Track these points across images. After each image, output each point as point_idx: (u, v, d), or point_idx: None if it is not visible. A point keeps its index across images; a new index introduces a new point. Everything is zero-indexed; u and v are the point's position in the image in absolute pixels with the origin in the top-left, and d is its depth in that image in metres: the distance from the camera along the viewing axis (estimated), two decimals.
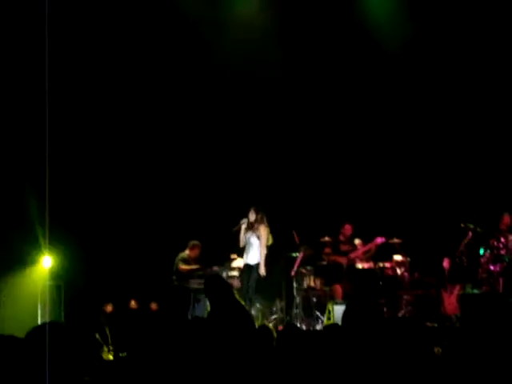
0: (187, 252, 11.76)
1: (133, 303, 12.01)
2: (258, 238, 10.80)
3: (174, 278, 11.60)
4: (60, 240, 11.56)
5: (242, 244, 11.00)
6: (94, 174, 12.69)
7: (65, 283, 11.87)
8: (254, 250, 10.83)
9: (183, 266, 11.60)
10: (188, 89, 12.97)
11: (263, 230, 10.80)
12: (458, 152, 12.83)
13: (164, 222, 12.82)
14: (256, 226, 10.81)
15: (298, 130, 13.25)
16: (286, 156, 13.26)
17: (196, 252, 11.75)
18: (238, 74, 12.72)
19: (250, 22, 12.60)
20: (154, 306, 11.87)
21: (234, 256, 11.71)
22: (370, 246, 11.89)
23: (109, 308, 11.75)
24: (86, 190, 12.56)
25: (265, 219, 10.88)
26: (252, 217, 10.84)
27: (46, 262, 11.84)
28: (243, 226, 10.92)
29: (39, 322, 10.69)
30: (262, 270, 10.72)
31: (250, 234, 10.85)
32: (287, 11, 12.72)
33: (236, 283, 11.19)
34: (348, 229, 11.99)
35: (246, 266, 10.92)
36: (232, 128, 13.07)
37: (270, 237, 10.95)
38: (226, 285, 7.18)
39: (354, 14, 12.86)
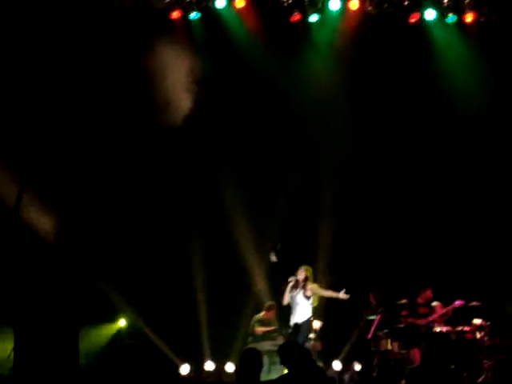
0: (263, 313, 11.81)
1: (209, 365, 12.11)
2: (307, 297, 10.73)
3: (250, 340, 11.65)
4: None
5: (285, 302, 10.88)
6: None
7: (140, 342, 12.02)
8: (302, 309, 10.74)
9: (259, 328, 11.65)
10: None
11: (313, 289, 10.78)
12: None
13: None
14: (304, 284, 10.76)
15: (376, 187, 13.26)
16: (366, 217, 13.25)
17: (272, 313, 11.79)
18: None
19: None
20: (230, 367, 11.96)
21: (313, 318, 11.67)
22: (449, 308, 11.69)
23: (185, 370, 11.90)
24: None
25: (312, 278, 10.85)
26: (301, 275, 10.79)
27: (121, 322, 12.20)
28: (290, 284, 10.81)
29: None
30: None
31: (296, 292, 10.77)
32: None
33: (314, 345, 11.16)
34: (429, 293, 11.82)
35: (295, 325, 10.78)
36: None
37: (316, 298, 10.91)
38: (303, 350, 7.14)
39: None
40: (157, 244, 12.57)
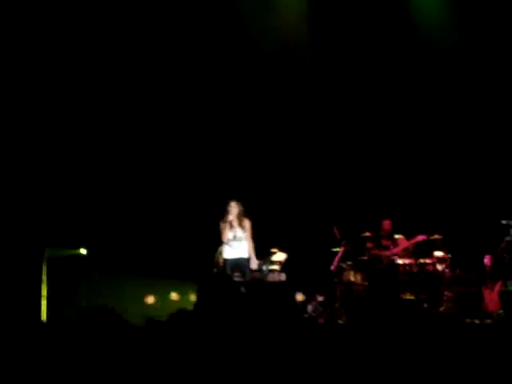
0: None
1: (174, 295, 12.16)
2: (243, 233, 10.64)
3: (214, 271, 11.71)
4: None
5: (225, 239, 10.71)
6: None
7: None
8: (239, 245, 10.69)
9: (221, 260, 11.70)
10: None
11: (248, 223, 10.69)
12: (500, 148, 12.77)
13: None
14: (241, 219, 10.70)
15: (336, 122, 13.26)
16: (326, 151, 13.29)
17: None
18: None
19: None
20: (192, 297, 12.02)
21: (274, 250, 11.75)
22: (411, 242, 11.88)
23: (150, 299, 11.95)
24: None
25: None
26: (235, 210, 10.73)
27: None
28: (228, 220, 10.65)
29: None
30: (254, 264, 10.70)
31: (234, 228, 10.69)
32: None
33: (277, 277, 11.26)
34: (387, 224, 12.01)
35: (233, 261, 10.69)
36: (267, 117, 13.13)
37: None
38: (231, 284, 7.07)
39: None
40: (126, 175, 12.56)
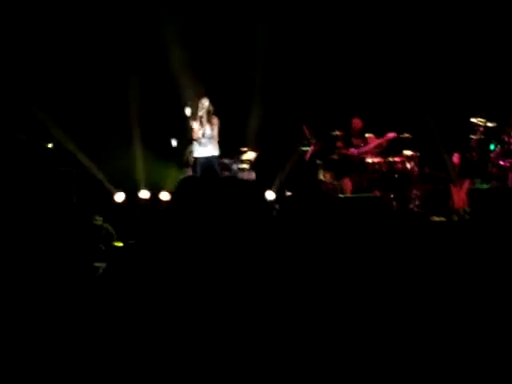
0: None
1: (143, 193, 12.13)
2: (212, 130, 10.58)
3: (184, 170, 11.68)
4: None
5: (196, 136, 10.65)
6: None
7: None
8: (209, 143, 10.64)
9: (191, 158, 11.65)
10: None
11: (216, 120, 10.61)
12: (469, 43, 12.66)
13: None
14: (210, 116, 10.58)
15: (307, 19, 13.00)
16: (297, 48, 13.10)
17: None
18: None
19: None
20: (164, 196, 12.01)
21: (244, 148, 11.71)
22: (381, 140, 11.90)
23: (119, 198, 11.90)
24: None
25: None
26: (205, 106, 10.56)
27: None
28: (199, 116, 10.55)
29: None
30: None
31: (204, 125, 10.56)
32: None
33: (247, 176, 11.27)
34: (357, 123, 12.00)
35: (204, 160, 10.66)
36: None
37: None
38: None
39: None
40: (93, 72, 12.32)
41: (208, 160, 10.57)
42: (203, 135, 10.53)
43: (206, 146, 10.58)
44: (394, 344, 3.94)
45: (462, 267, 6.49)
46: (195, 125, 10.51)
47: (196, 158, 10.71)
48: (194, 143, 10.66)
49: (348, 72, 13.05)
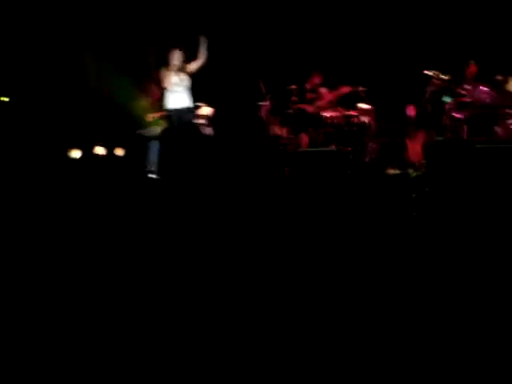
0: (151, 100, 11.65)
1: (99, 149, 12.01)
2: (187, 80, 10.39)
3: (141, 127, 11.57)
4: None
5: (167, 85, 10.42)
6: None
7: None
8: (186, 93, 10.52)
9: (150, 115, 11.53)
10: None
11: (190, 68, 10.44)
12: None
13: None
14: (183, 66, 10.40)
15: None
16: (252, 4, 12.99)
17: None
18: None
19: None
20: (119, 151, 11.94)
21: (200, 104, 11.60)
22: (336, 94, 11.92)
23: (75, 153, 11.78)
24: None
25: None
26: (179, 57, 10.37)
27: None
28: (173, 65, 10.38)
29: None
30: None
31: (177, 75, 10.38)
32: None
33: (204, 131, 11.21)
34: (316, 78, 11.99)
35: (177, 111, 10.46)
36: None
37: None
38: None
39: None
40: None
41: (181, 112, 10.41)
42: (178, 85, 10.35)
43: (180, 97, 10.43)
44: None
45: (418, 218, 6.59)
46: (170, 75, 10.35)
47: (170, 110, 10.52)
48: (169, 94, 10.46)
49: (303, 26, 13.00)
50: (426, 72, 11.31)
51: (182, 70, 10.34)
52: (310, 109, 11.86)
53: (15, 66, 11.91)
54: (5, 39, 11.88)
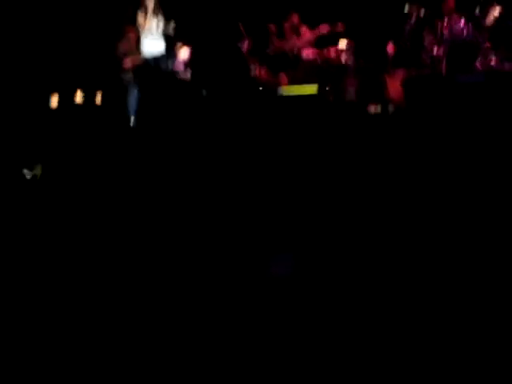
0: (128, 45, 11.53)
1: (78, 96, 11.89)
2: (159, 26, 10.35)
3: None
4: None
5: (147, 29, 10.35)
6: None
7: None
8: (159, 40, 10.46)
9: (128, 60, 11.43)
10: None
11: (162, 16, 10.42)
12: None
13: None
14: (158, 12, 10.37)
15: None
16: None
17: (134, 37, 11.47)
18: None
19: None
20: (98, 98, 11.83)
21: (180, 44, 11.45)
22: (315, 33, 11.87)
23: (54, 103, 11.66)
24: None
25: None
26: (152, 2, 10.27)
27: None
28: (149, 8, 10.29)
29: None
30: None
31: (152, 20, 10.31)
32: None
33: (183, 75, 11.15)
34: (295, 17, 11.92)
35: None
36: None
37: None
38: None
39: None
40: None
41: (157, 59, 10.29)
42: (152, 31, 10.18)
43: (157, 40, 10.26)
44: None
45: (401, 154, 6.66)
46: (145, 18, 10.17)
47: (147, 55, 10.36)
48: (144, 40, 10.30)
49: None
50: (405, 7, 11.27)
51: (158, 14, 10.22)
52: (289, 48, 11.80)
53: None
54: None
